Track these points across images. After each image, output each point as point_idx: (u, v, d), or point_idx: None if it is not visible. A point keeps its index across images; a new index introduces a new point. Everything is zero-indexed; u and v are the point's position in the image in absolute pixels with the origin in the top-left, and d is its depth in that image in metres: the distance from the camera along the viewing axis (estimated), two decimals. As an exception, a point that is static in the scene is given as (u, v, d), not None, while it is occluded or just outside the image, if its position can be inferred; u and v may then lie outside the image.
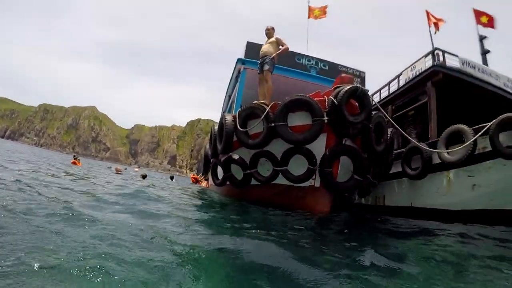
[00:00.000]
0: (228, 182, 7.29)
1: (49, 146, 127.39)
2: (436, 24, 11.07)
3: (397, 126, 7.46)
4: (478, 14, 11.57)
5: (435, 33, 10.90)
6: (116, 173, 16.94)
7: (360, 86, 6.07)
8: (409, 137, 7.43)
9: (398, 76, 10.30)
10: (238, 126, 6.41)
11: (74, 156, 21.51)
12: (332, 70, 10.05)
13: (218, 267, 2.38)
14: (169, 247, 2.61)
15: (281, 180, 6.25)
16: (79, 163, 18.78)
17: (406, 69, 9.92)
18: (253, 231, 3.60)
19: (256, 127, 6.23)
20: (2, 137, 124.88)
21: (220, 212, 5.96)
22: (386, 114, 7.62)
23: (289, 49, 7.87)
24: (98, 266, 1.94)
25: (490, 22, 11.51)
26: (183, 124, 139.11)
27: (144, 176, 16.53)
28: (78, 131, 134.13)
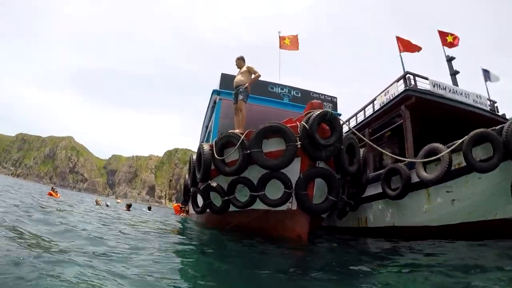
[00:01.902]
0: (208, 210, 7.35)
1: (26, 176, 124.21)
2: (409, 47, 11.48)
3: (375, 146, 7.71)
4: (443, 35, 12.06)
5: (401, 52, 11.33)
6: (96, 205, 16.77)
7: (330, 110, 6.28)
8: (391, 154, 7.67)
9: (372, 101, 10.67)
10: (215, 155, 6.53)
11: (52, 188, 20.39)
12: (304, 97, 10.35)
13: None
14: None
15: (259, 205, 6.33)
16: (56, 194, 18.12)
17: (380, 94, 10.29)
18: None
19: (232, 154, 6.37)
20: None
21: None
22: (362, 137, 7.92)
23: (262, 78, 8.18)
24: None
25: (455, 41, 12.00)
26: (161, 154, 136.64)
27: (129, 206, 16.79)
28: (55, 162, 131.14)
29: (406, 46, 11.36)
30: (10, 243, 3.30)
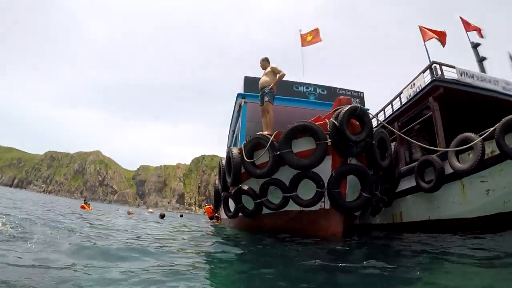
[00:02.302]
0: (240, 213, 7.35)
1: (57, 192, 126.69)
2: (441, 36, 11.21)
3: (408, 138, 7.68)
4: (466, 22, 11.76)
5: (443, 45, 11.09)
6: (128, 214, 16.83)
7: (359, 105, 6.19)
8: (426, 146, 7.57)
9: (399, 94, 10.49)
10: (245, 158, 6.53)
11: (84, 200, 20.16)
12: (330, 94, 10.32)
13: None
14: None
15: (291, 206, 6.30)
16: (88, 207, 18.05)
17: (406, 86, 10.10)
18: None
19: (262, 156, 6.36)
20: (11, 186, 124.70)
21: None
22: (394, 130, 7.89)
23: (286, 78, 8.15)
24: None
25: (479, 32, 11.69)
26: (188, 162, 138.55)
27: (162, 216, 16.60)
28: (85, 176, 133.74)
29: (431, 33, 11.08)
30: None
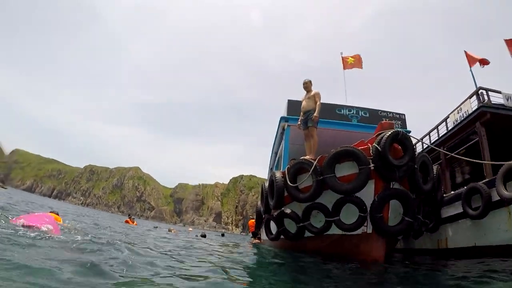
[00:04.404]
0: (282, 236, 7.45)
1: (95, 205, 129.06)
2: (482, 61, 11.07)
3: (465, 158, 7.75)
4: (511, 43, 11.45)
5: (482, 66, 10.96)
6: (169, 232, 17.11)
7: (401, 130, 6.22)
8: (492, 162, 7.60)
9: (445, 119, 10.45)
10: (288, 182, 6.69)
11: (129, 215, 21.26)
12: (373, 117, 10.37)
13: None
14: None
15: (333, 230, 6.36)
16: (133, 222, 18.76)
17: (452, 111, 10.10)
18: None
19: (306, 181, 6.49)
20: (49, 196, 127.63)
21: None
22: (443, 151, 7.92)
23: (329, 101, 8.26)
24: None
25: None
26: (226, 181, 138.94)
27: (203, 236, 16.79)
28: (123, 191, 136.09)
29: (475, 59, 10.98)
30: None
